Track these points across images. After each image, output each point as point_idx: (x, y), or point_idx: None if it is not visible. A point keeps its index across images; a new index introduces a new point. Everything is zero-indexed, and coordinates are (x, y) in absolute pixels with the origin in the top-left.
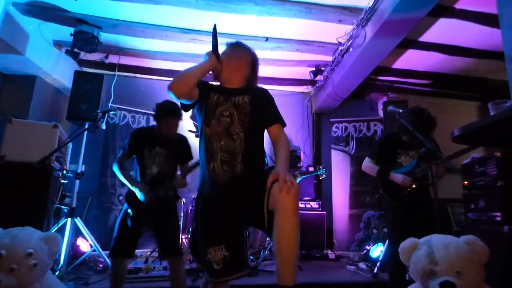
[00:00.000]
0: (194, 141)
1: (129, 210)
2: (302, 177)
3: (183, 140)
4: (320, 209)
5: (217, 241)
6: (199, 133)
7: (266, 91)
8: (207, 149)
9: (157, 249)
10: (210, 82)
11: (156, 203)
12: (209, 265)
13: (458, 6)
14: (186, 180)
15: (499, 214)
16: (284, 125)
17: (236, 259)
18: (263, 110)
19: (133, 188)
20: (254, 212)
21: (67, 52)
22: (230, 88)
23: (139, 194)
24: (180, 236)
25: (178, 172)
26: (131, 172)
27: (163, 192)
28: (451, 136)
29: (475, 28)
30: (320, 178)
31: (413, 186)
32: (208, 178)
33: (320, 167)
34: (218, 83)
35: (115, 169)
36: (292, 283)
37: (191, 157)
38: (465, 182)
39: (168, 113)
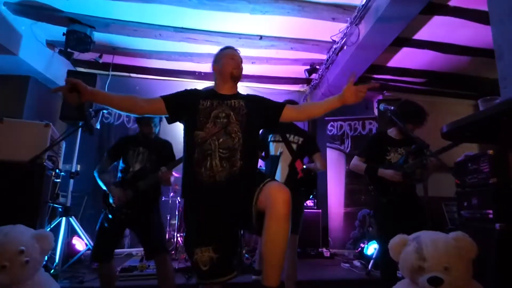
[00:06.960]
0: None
1: (109, 214)
2: None
3: (168, 146)
4: (315, 207)
5: (204, 242)
6: (186, 141)
7: (256, 95)
8: (200, 151)
9: None
10: (197, 89)
11: (134, 199)
12: (196, 266)
13: (452, 3)
14: (172, 174)
15: (491, 211)
16: None
17: (224, 261)
18: (259, 112)
19: (107, 191)
20: (242, 211)
21: (60, 52)
22: (223, 94)
23: (110, 197)
24: (167, 234)
25: None
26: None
27: (143, 186)
28: (440, 133)
29: (469, 26)
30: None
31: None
32: (200, 179)
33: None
34: (208, 89)
35: (95, 173)
36: (276, 285)
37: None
38: (457, 181)
39: None
